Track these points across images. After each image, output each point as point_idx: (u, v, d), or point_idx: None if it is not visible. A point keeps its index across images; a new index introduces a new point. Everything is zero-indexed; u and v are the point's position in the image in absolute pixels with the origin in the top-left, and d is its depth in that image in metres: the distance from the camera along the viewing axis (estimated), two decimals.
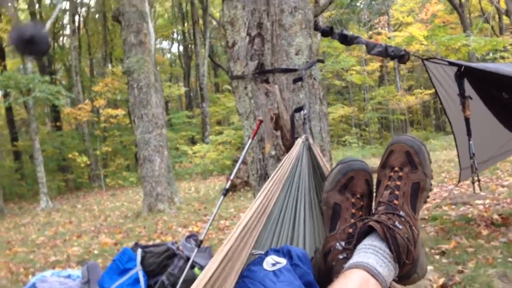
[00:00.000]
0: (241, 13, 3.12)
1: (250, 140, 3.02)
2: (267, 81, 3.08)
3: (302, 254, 1.25)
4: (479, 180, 4.05)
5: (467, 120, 3.71)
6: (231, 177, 3.18)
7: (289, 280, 1.13)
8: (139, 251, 3.10)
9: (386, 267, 1.02)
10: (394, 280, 1.09)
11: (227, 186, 3.09)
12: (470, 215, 5.00)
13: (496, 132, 4.26)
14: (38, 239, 7.42)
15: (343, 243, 1.18)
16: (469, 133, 3.79)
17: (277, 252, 1.26)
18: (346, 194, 1.25)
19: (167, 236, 6.00)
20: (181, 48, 28.75)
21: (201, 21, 22.72)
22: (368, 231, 1.10)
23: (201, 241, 2.98)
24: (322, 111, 3.05)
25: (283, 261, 1.20)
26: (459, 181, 5.05)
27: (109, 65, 25.36)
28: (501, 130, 4.24)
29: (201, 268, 3.22)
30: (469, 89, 3.79)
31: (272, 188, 1.54)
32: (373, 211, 1.18)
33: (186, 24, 25.76)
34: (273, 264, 1.19)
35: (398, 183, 1.17)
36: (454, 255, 3.62)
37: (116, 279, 2.99)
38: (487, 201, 5.59)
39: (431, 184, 1.23)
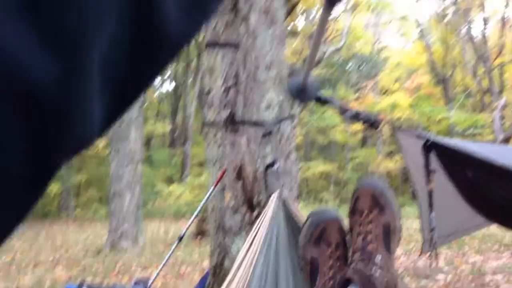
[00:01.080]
0: (220, 62, 3.18)
1: (212, 188, 3.01)
2: (236, 131, 3.11)
3: None
4: (437, 255, 4.04)
5: (430, 194, 3.74)
6: (188, 224, 3.14)
7: None
8: None
9: None
10: None
11: (183, 232, 3.04)
12: None
13: (461, 208, 4.30)
14: None
15: None
16: (430, 206, 3.82)
17: None
18: (321, 246, 1.25)
19: (125, 276, 5.82)
20: (171, 86, 29.04)
21: (194, 63, 23.11)
22: (347, 283, 1.11)
23: (149, 287, 2.89)
24: (287, 166, 3.07)
25: None
26: (421, 253, 5.04)
27: None
28: (465, 207, 4.27)
29: None
30: (436, 163, 3.84)
31: (252, 252, 1.50)
32: (350, 259, 1.19)
33: (179, 64, 26.14)
34: None
35: (369, 227, 1.17)
36: None
37: None
38: (449, 276, 5.57)
39: (401, 224, 1.24)
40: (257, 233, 1.60)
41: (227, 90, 3.22)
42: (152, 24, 0.25)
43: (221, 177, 3.01)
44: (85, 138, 0.24)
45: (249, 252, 1.53)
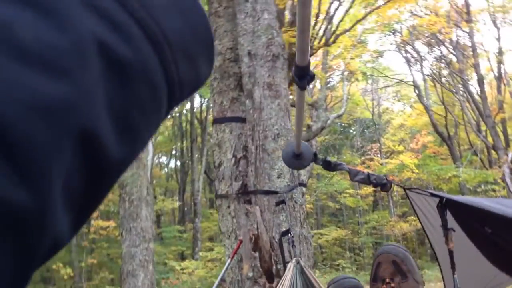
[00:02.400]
0: (228, 136, 3.29)
1: (229, 260, 2.99)
2: (249, 202, 3.15)
3: None
4: None
5: (450, 253, 3.68)
6: None
7: None
8: None
9: None
10: None
11: None
12: None
13: (482, 266, 4.20)
14: None
15: None
16: (453, 267, 3.73)
17: None
18: None
19: None
20: (178, 163, 29.35)
21: (199, 139, 23.52)
22: None
23: None
24: (302, 234, 3.07)
25: None
26: None
27: None
28: (486, 264, 4.18)
29: None
30: (452, 221, 3.82)
31: None
32: None
33: (185, 142, 26.61)
34: None
35: None
36: None
37: None
38: None
39: None
40: None
41: (237, 162, 3.30)
42: (99, 163, 0.29)
43: (238, 248, 3.00)
44: (55, 245, 0.29)
45: None
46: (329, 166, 4.10)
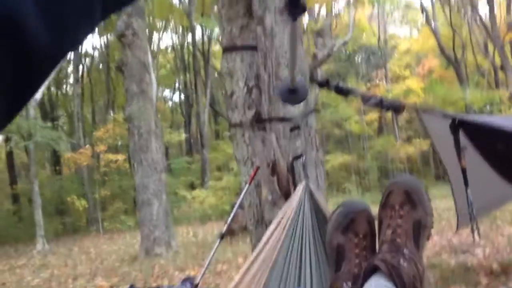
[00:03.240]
0: (239, 65, 3.26)
1: (247, 186, 3.08)
2: (264, 129, 3.19)
3: None
4: (478, 229, 4.07)
5: (463, 171, 3.77)
6: (228, 222, 3.22)
7: None
8: None
9: None
10: None
11: (224, 230, 3.13)
12: (469, 264, 4.98)
13: (493, 182, 4.32)
14: (33, 281, 7.31)
15: (349, 284, 1.19)
16: (466, 183, 3.84)
17: None
18: (349, 235, 1.27)
19: (164, 280, 5.93)
20: (183, 96, 29.26)
21: (202, 72, 23.26)
22: (373, 271, 1.12)
23: (197, 285, 2.98)
24: (318, 158, 3.14)
25: None
26: (457, 229, 5.06)
27: (111, 112, 25.73)
28: (498, 180, 4.30)
29: None
30: (464, 140, 3.87)
31: (276, 235, 1.58)
32: (377, 251, 1.20)
33: (188, 75, 26.34)
34: None
35: (399, 221, 1.19)
36: None
37: None
38: (487, 250, 5.56)
39: (432, 222, 1.25)
40: (281, 219, 1.66)
41: (250, 91, 3.30)
42: (26, 49, 0.31)
43: (254, 174, 3.09)
44: None
45: (272, 237, 1.59)
46: (341, 91, 4.10)
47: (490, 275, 4.36)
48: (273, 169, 2.95)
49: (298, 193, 1.76)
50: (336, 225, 1.30)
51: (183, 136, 23.82)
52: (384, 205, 1.25)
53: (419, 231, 1.20)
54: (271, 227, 1.62)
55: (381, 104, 3.79)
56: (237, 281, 1.37)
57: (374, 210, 1.29)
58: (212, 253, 3.02)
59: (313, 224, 1.64)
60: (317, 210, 1.70)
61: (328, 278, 1.49)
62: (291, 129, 3.03)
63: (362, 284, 1.12)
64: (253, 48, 3.30)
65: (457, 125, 3.84)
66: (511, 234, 6.49)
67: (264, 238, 1.58)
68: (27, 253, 12.47)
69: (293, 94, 2.04)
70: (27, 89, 0.33)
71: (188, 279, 3.55)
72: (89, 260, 9.42)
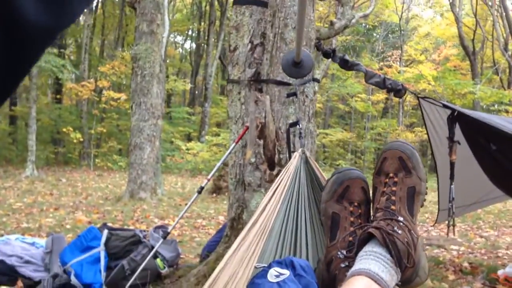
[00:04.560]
0: (247, 20, 3.17)
1: (233, 144, 3.05)
2: (260, 90, 3.12)
3: (305, 264, 1.27)
4: (454, 225, 4.07)
5: (452, 164, 3.74)
6: (209, 177, 3.20)
7: None
8: (105, 231, 3.12)
9: (388, 272, 1.03)
10: (397, 284, 1.11)
11: (204, 184, 3.12)
12: (441, 258, 5.02)
13: (479, 180, 4.30)
14: (15, 204, 7.41)
15: (344, 252, 1.20)
16: (451, 177, 3.81)
17: (280, 264, 1.27)
18: (344, 203, 1.27)
19: (142, 225, 6.00)
20: (194, 45, 28.88)
21: (217, 23, 22.84)
22: (368, 238, 1.12)
23: (168, 233, 2.99)
24: (309, 128, 3.09)
25: (287, 272, 1.21)
26: (435, 222, 5.09)
27: (120, 49, 25.44)
28: (484, 179, 4.27)
29: (164, 259, 3.24)
30: (459, 134, 3.82)
31: (272, 203, 1.56)
32: (372, 218, 1.20)
33: (202, 23, 25.89)
34: (277, 276, 1.21)
35: (393, 188, 1.19)
36: None
37: (78, 255, 3.00)
38: (462, 248, 5.61)
39: (426, 188, 1.25)
40: (278, 187, 1.64)
41: (253, 48, 3.22)
42: (20, 24, 0.29)
43: (243, 134, 3.05)
44: None
45: (269, 204, 1.57)
46: (345, 64, 4.01)
47: (458, 272, 4.40)
48: (262, 131, 2.91)
49: (294, 161, 1.73)
50: (331, 193, 1.30)
51: (188, 85, 23.62)
52: (378, 172, 1.24)
53: (413, 197, 1.19)
54: (268, 195, 1.60)
55: (383, 84, 3.71)
56: (234, 248, 1.36)
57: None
58: (188, 205, 3.01)
59: (308, 192, 1.63)
60: (313, 178, 1.69)
61: (323, 246, 1.50)
62: (288, 95, 2.96)
63: (357, 252, 1.13)
64: (264, 4, 3.19)
65: (456, 118, 3.78)
66: (489, 237, 6.54)
67: (260, 207, 1.57)
68: (15, 176, 12.60)
69: (297, 68, 1.96)
70: (24, 63, 0.32)
71: (161, 227, 3.58)
72: (75, 193, 9.53)
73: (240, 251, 1.37)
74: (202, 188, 3.05)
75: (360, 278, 1.00)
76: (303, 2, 1.40)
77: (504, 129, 3.45)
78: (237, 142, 3.04)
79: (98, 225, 3.51)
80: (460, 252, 5.39)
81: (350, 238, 1.21)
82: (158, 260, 3.17)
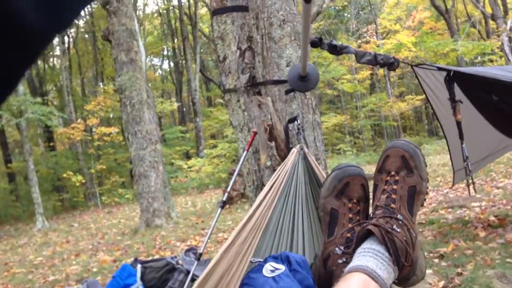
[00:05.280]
0: (230, 27, 3.17)
1: (245, 152, 3.05)
2: (259, 93, 3.12)
3: (301, 259, 1.27)
4: (473, 183, 4.09)
5: (458, 124, 3.76)
6: (228, 190, 3.20)
7: (288, 285, 1.15)
8: (139, 266, 3.10)
9: (385, 270, 1.03)
10: (394, 282, 1.10)
11: (224, 198, 3.11)
12: (467, 218, 5.04)
13: (487, 133, 4.32)
14: (35, 259, 7.37)
15: (342, 248, 1.19)
16: (461, 137, 3.84)
17: (276, 258, 1.28)
18: (343, 199, 1.26)
19: (166, 251, 5.99)
20: (172, 64, 28.86)
21: (190, 37, 22.85)
22: (366, 235, 1.12)
23: (201, 254, 2.99)
24: (315, 120, 3.09)
25: (282, 267, 1.22)
26: (453, 184, 5.10)
27: (101, 84, 25.38)
28: (492, 131, 4.30)
29: None
30: (459, 93, 3.84)
31: (269, 198, 1.56)
32: (371, 215, 1.19)
33: (176, 41, 25.89)
34: (272, 271, 1.21)
35: (394, 187, 1.18)
36: (452, 258, 3.64)
37: None
38: (483, 203, 5.63)
39: (427, 188, 1.24)
40: (275, 182, 1.64)
41: (243, 54, 3.22)
42: (15, 28, 0.29)
43: (252, 140, 3.05)
44: None
45: (265, 199, 1.57)
46: (335, 50, 4.01)
47: (487, 228, 4.41)
48: (271, 133, 2.91)
49: (292, 157, 1.73)
50: (330, 189, 1.29)
51: (175, 105, 23.60)
52: (380, 170, 1.24)
53: (414, 197, 1.19)
54: (264, 190, 1.60)
55: (375, 61, 3.72)
56: (229, 243, 1.36)
57: (369, 169, 1.26)
58: (214, 222, 3.01)
59: (306, 188, 1.64)
60: (310, 174, 1.69)
61: (320, 242, 1.50)
62: (286, 92, 2.97)
63: (355, 248, 1.12)
64: (244, 8, 3.19)
65: (452, 78, 3.80)
66: (506, 186, 6.56)
67: (257, 201, 1.57)
68: (27, 231, 12.53)
69: (304, 82, 1.97)
70: (17, 70, 0.32)
71: (191, 249, 3.57)
72: (90, 235, 9.49)
73: (235, 245, 1.37)
74: (224, 202, 3.05)
75: (357, 274, 1.00)
76: (307, 18, 1.39)
77: (502, 79, 3.48)
78: (248, 149, 3.03)
79: (129, 261, 3.50)
80: (483, 208, 5.41)
81: (348, 235, 1.21)
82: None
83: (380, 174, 1.24)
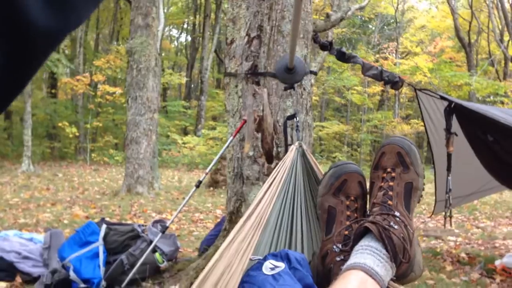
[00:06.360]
0: (244, 12, 3.15)
1: (231, 138, 3.04)
2: (257, 83, 3.11)
3: (301, 257, 1.27)
4: (451, 216, 4.09)
5: (449, 156, 3.75)
6: (207, 170, 3.20)
7: (288, 283, 1.15)
8: (104, 226, 3.11)
9: (383, 267, 1.03)
10: (391, 279, 1.11)
11: (201, 178, 3.11)
12: (438, 249, 5.05)
13: (476, 171, 4.31)
14: (12, 199, 7.39)
15: (340, 245, 1.20)
16: (449, 168, 3.83)
17: (276, 256, 1.27)
18: (340, 197, 1.26)
19: (140, 219, 6.00)
20: (189, 38, 28.76)
21: (213, 16, 22.74)
22: (364, 233, 1.12)
23: (166, 227, 2.99)
24: (306, 121, 3.08)
25: (282, 265, 1.21)
26: (432, 213, 5.11)
27: (115, 43, 25.28)
28: (481, 170, 4.28)
29: (162, 253, 3.24)
30: (456, 126, 3.83)
31: (268, 195, 1.56)
32: (368, 213, 1.20)
33: (198, 16, 25.77)
34: (272, 268, 1.20)
35: (391, 183, 1.18)
36: (413, 285, 3.66)
37: (76, 250, 2.99)
38: (459, 239, 5.64)
39: (423, 184, 1.25)
40: (274, 180, 1.64)
41: (250, 41, 3.20)
42: (22, 29, 0.28)
43: (241, 127, 3.04)
44: None
45: (264, 197, 1.57)
46: (343, 57, 3.99)
47: (456, 263, 4.42)
48: (260, 125, 2.90)
49: (290, 154, 1.72)
50: (328, 186, 1.29)
51: (184, 79, 23.52)
52: (376, 167, 1.24)
53: (411, 193, 1.19)
54: (264, 187, 1.59)
55: (380, 76, 3.70)
56: (229, 240, 1.36)
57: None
58: (186, 199, 3.01)
59: (305, 186, 1.63)
60: (309, 171, 1.68)
61: (318, 240, 1.50)
62: (285, 88, 2.96)
63: (353, 246, 1.13)
64: None
65: (453, 109, 3.79)
66: (486, 227, 6.57)
67: (257, 199, 1.56)
68: (11, 171, 12.55)
69: (290, 74, 1.95)
70: (26, 70, 0.32)
71: (159, 221, 3.58)
72: (71, 188, 9.51)
73: (235, 243, 1.37)
74: (200, 182, 3.05)
75: (355, 272, 1.00)
76: (298, 10, 1.39)
77: (501, 120, 3.47)
78: (234, 136, 3.03)
79: (96, 220, 3.51)
80: (457, 243, 5.42)
81: (346, 232, 1.21)
82: (157, 254, 3.17)
83: (376, 171, 1.24)
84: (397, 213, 1.13)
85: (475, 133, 4.00)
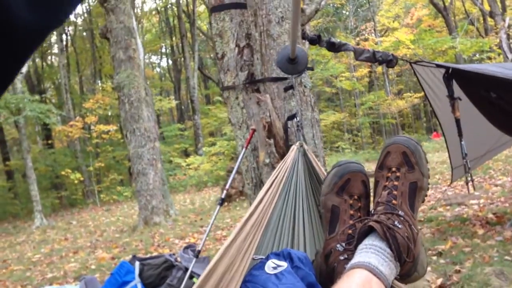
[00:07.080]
0: (229, 25, 3.16)
1: (243, 150, 3.04)
2: (258, 91, 3.12)
3: (303, 256, 1.27)
4: (472, 180, 4.09)
5: (457, 121, 3.76)
6: (226, 187, 3.19)
7: (291, 282, 1.15)
8: (137, 263, 3.10)
9: (387, 266, 1.03)
10: (395, 278, 1.11)
11: (223, 196, 3.10)
12: (465, 215, 5.05)
13: (486, 131, 4.32)
14: (34, 256, 7.36)
15: (343, 244, 1.20)
16: (460, 134, 3.84)
17: (278, 255, 1.28)
18: (344, 196, 1.26)
19: (164, 249, 5.99)
20: (170, 62, 28.82)
21: (189, 35, 22.82)
22: (368, 232, 1.12)
23: (199, 251, 2.98)
24: (314, 117, 3.08)
25: (284, 264, 1.21)
26: (451, 181, 5.11)
27: (99, 82, 25.35)
28: (490, 129, 4.30)
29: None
30: (457, 91, 3.84)
31: (269, 195, 1.56)
32: (372, 212, 1.20)
33: (174, 38, 25.85)
34: (275, 268, 1.21)
35: (395, 183, 1.18)
36: (451, 255, 3.65)
37: None
38: (482, 200, 5.64)
39: (428, 183, 1.25)
40: (275, 179, 1.64)
41: (241, 51, 3.21)
42: (7, 25, 0.29)
43: (251, 137, 3.04)
44: None
45: (266, 197, 1.57)
46: (333, 47, 4.01)
47: (486, 225, 4.42)
48: (270, 131, 2.90)
49: (292, 154, 1.73)
50: (331, 186, 1.29)
51: (174, 102, 23.55)
52: (381, 166, 1.24)
53: (415, 193, 1.19)
54: (265, 187, 1.59)
55: (374, 58, 3.72)
56: (231, 240, 1.35)
57: (368, 166, 1.26)
58: (212, 219, 3.00)
59: (306, 185, 1.63)
60: (310, 171, 1.68)
61: (321, 239, 1.50)
62: (285, 89, 2.97)
63: (357, 245, 1.12)
64: (242, 5, 3.18)
65: (451, 75, 3.80)
66: (504, 184, 6.57)
67: (257, 199, 1.56)
68: (25, 229, 12.52)
69: (292, 64, 1.96)
70: (11, 66, 0.32)
71: (189, 247, 3.57)
72: (89, 233, 9.48)
73: (237, 243, 1.37)
74: (223, 199, 3.05)
75: (360, 271, 1.00)
76: (297, 2, 1.40)
77: (501, 76, 3.48)
78: (246, 147, 3.03)
79: (128, 258, 3.50)
80: (481, 205, 5.41)
81: (350, 231, 1.21)
82: (194, 279, 3.16)
83: (381, 171, 1.24)
84: (401, 213, 1.13)
85: (478, 93, 4.02)
